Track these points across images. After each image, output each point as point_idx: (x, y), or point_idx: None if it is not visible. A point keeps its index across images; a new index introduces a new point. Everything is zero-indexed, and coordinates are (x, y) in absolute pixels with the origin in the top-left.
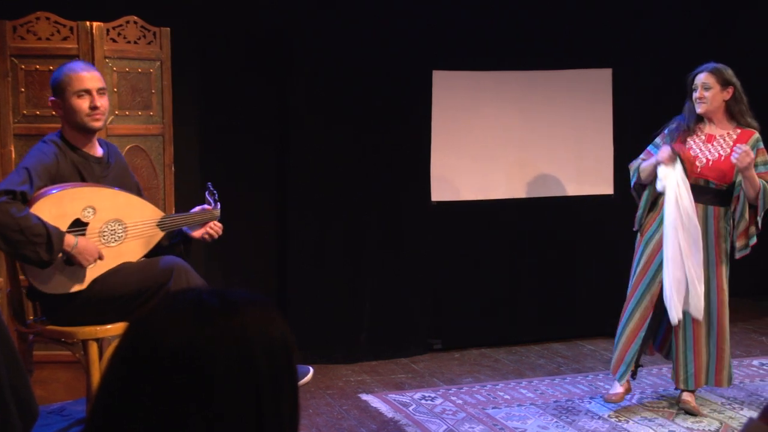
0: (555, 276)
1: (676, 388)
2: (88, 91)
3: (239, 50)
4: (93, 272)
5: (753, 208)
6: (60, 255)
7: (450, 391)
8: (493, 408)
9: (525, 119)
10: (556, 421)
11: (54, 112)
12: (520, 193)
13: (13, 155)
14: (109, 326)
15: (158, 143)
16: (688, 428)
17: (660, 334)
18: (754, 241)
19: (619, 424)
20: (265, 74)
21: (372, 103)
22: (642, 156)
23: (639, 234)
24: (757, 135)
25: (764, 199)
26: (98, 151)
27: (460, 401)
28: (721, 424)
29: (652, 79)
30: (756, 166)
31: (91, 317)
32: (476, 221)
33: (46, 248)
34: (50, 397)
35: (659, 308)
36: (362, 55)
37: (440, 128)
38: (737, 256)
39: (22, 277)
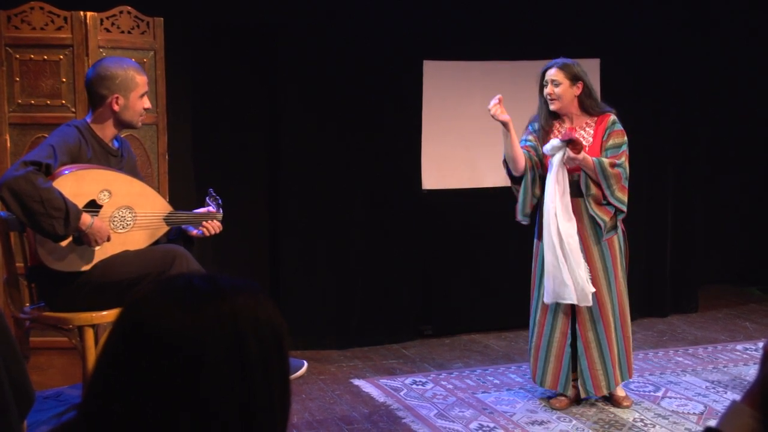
0: None
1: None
2: (146, 93)
3: (231, 41)
4: (98, 255)
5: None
6: (74, 232)
7: (440, 376)
8: (482, 392)
9: (515, 108)
10: (545, 405)
11: (113, 106)
12: (509, 181)
13: (9, 144)
14: (105, 312)
15: (152, 132)
16: (673, 411)
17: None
18: (618, 216)
19: (606, 408)
20: (256, 64)
21: (363, 93)
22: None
23: (536, 239)
24: (612, 117)
25: (603, 174)
26: (114, 144)
27: (451, 386)
28: (705, 407)
29: (641, 69)
30: (606, 150)
31: (90, 302)
32: (467, 209)
33: (63, 223)
34: (46, 382)
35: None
36: (353, 46)
37: (431, 117)
38: (604, 237)
39: (19, 264)
